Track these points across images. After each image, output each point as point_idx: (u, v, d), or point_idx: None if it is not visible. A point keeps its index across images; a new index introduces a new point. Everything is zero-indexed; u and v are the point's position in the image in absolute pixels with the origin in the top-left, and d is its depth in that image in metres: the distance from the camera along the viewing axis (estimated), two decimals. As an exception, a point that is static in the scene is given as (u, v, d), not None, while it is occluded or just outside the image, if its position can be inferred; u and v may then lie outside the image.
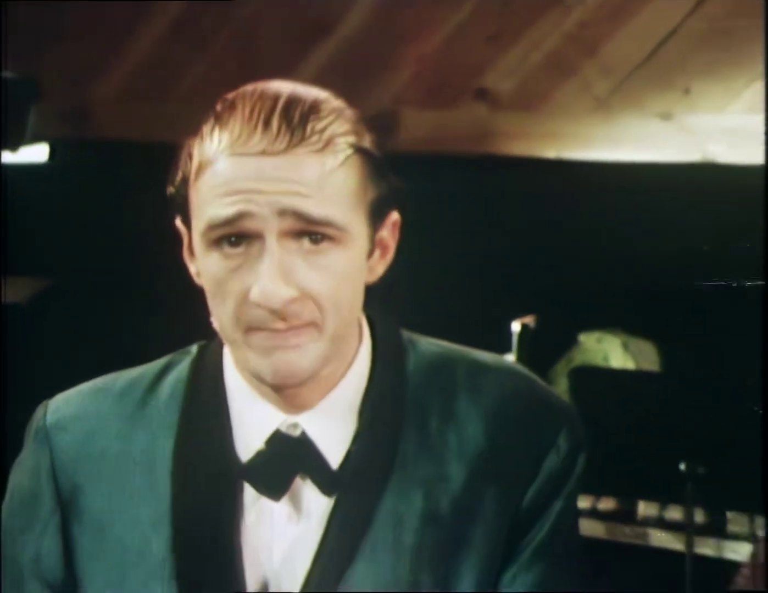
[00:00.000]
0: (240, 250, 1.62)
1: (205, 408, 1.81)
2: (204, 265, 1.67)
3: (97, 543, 1.77)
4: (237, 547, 1.74)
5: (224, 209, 1.61)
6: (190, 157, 1.68)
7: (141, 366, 1.87)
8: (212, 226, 1.62)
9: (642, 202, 3.98)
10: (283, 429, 1.72)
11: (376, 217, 1.69)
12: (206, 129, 1.66)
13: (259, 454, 1.73)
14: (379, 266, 1.73)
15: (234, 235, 1.62)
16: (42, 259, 4.11)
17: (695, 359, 3.90)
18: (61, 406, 1.85)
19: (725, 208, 3.70)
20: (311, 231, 1.61)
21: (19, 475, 1.85)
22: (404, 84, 4.25)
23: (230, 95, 1.67)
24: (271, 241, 1.61)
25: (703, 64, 4.05)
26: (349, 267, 1.66)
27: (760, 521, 3.68)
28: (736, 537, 3.71)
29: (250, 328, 1.65)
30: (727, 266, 3.42)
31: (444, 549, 1.75)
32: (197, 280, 1.71)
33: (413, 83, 4.29)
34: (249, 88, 1.66)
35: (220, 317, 1.68)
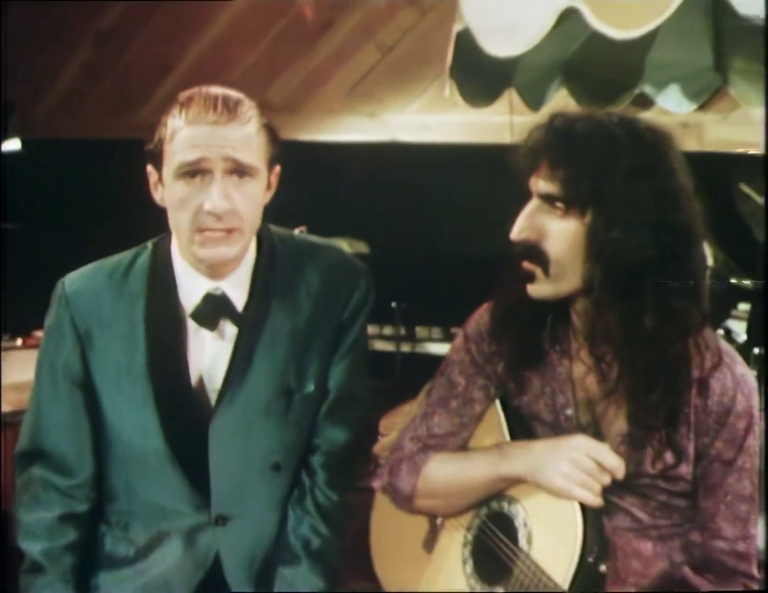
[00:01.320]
0: (197, 180, 1.92)
1: (162, 281, 2.06)
2: (172, 190, 1.94)
3: (102, 362, 2.07)
4: (185, 358, 2.05)
5: (190, 155, 1.91)
6: (165, 126, 1.95)
7: (118, 255, 2.15)
8: (182, 165, 1.92)
9: (359, 163, 4.94)
10: (211, 291, 2.05)
11: (271, 166, 2.01)
12: (175, 110, 1.94)
13: (199, 306, 2.05)
14: (268, 197, 2.03)
15: (194, 171, 1.91)
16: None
17: (390, 248, 4.83)
18: (74, 281, 2.10)
19: (402, 170, 4.87)
20: (240, 170, 1.93)
21: (50, 325, 2.12)
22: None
23: (186, 93, 1.98)
24: (218, 175, 1.90)
25: (391, 85, 5.00)
26: (259, 193, 1.98)
27: (435, 330, 4.99)
28: (423, 341, 5.01)
29: (200, 229, 1.93)
30: (399, 199, 4.85)
31: (302, 351, 2.11)
32: (160, 203, 2.01)
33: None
34: (198, 89, 1.97)
35: (180, 223, 1.95)
